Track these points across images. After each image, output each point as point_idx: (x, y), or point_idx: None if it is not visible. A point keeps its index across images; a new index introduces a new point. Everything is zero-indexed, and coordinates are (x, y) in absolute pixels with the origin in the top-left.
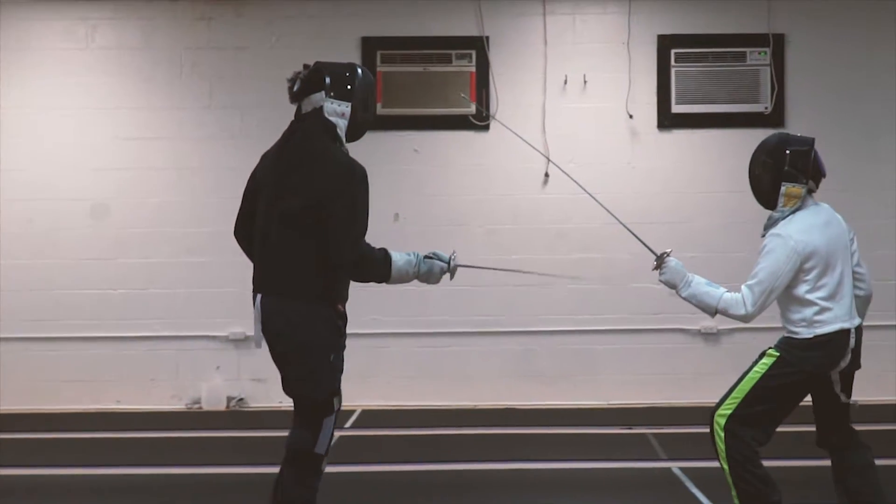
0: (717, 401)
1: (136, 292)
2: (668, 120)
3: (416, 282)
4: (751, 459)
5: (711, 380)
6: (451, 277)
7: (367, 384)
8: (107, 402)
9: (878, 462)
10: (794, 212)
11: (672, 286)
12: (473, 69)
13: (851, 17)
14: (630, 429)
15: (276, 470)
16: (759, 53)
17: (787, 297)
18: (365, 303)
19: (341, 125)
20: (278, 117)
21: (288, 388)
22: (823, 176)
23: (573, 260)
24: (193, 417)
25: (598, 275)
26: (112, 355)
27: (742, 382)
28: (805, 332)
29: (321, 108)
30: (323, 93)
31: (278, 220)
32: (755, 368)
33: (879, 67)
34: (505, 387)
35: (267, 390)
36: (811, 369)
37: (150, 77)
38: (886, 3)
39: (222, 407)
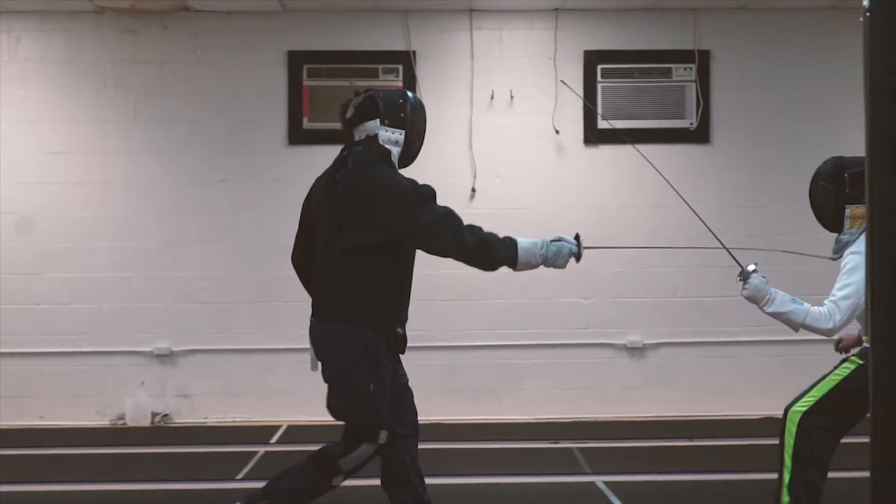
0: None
1: (59, 307)
2: (594, 135)
3: None
4: (816, 460)
5: (637, 394)
6: (578, 261)
7: (293, 399)
8: (30, 419)
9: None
10: (861, 232)
11: (754, 302)
12: (400, 83)
13: (776, 34)
14: (555, 443)
15: (200, 486)
16: (685, 69)
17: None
18: (292, 318)
19: (395, 153)
20: (203, 131)
21: (334, 408)
22: None
23: (498, 275)
24: (118, 433)
25: (524, 290)
26: (35, 371)
27: (822, 383)
28: None
29: (376, 135)
30: (377, 120)
31: (339, 250)
32: (836, 371)
33: (803, 83)
34: (430, 402)
35: (192, 406)
36: None
37: (75, 90)
38: (810, 19)
39: (147, 423)
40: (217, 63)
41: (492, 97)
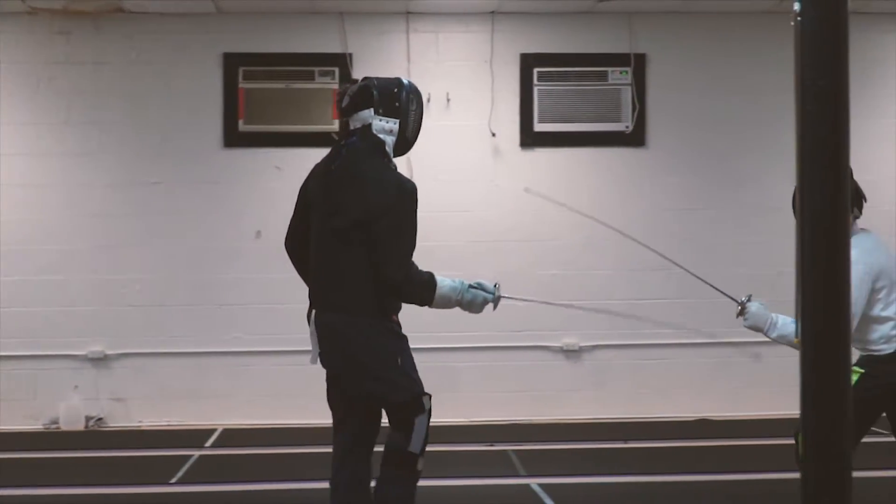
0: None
1: None
2: (530, 138)
3: (280, 298)
4: None
5: (572, 396)
6: (494, 308)
7: (228, 403)
8: None
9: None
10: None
11: (757, 330)
12: (336, 86)
13: (711, 38)
14: (491, 445)
15: (134, 490)
16: (621, 73)
17: (863, 319)
18: (227, 321)
19: (389, 142)
20: (138, 134)
21: (372, 399)
22: (865, 200)
23: None
24: (51, 438)
25: None
26: None
27: None
28: (887, 348)
29: (370, 125)
30: (371, 109)
31: (332, 237)
32: None
33: (738, 87)
34: None
35: (126, 410)
36: (894, 380)
37: (7, 92)
38: (744, 24)
39: (81, 427)
40: (151, 65)
41: (428, 100)
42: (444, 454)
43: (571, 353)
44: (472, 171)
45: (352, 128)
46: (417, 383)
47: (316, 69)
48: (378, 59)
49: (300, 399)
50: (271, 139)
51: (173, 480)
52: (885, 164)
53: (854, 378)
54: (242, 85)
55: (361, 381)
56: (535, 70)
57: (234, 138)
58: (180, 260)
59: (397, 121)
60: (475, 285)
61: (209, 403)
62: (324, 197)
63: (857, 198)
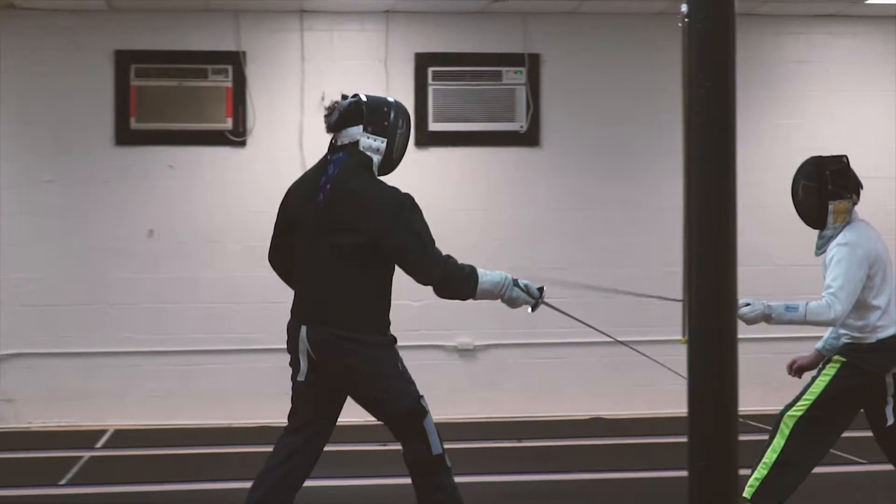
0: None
1: None
2: (425, 138)
3: (171, 298)
4: (794, 469)
5: (467, 395)
6: (532, 311)
7: (120, 403)
8: None
9: None
10: (844, 226)
11: (757, 323)
12: (230, 84)
13: (604, 40)
14: (384, 445)
15: (23, 492)
16: (515, 73)
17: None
18: (118, 321)
19: (375, 160)
20: (30, 131)
21: (374, 411)
22: (862, 188)
23: None
24: None
25: None
26: None
27: (812, 386)
28: (870, 337)
29: (357, 141)
30: (361, 126)
31: (330, 253)
32: (824, 372)
33: (632, 88)
34: (261, 405)
35: (16, 411)
36: (876, 371)
37: None
38: (637, 25)
39: None
40: (43, 62)
41: (322, 98)
42: (336, 454)
43: (466, 352)
44: None
45: (339, 143)
46: (414, 389)
47: (209, 67)
48: (272, 58)
49: (192, 399)
50: (164, 137)
51: (63, 482)
52: (782, 165)
53: (835, 367)
54: (134, 83)
55: (367, 390)
56: (430, 69)
57: (126, 136)
58: (72, 259)
59: (385, 140)
60: (522, 286)
61: (100, 404)
62: (317, 213)
63: (856, 185)
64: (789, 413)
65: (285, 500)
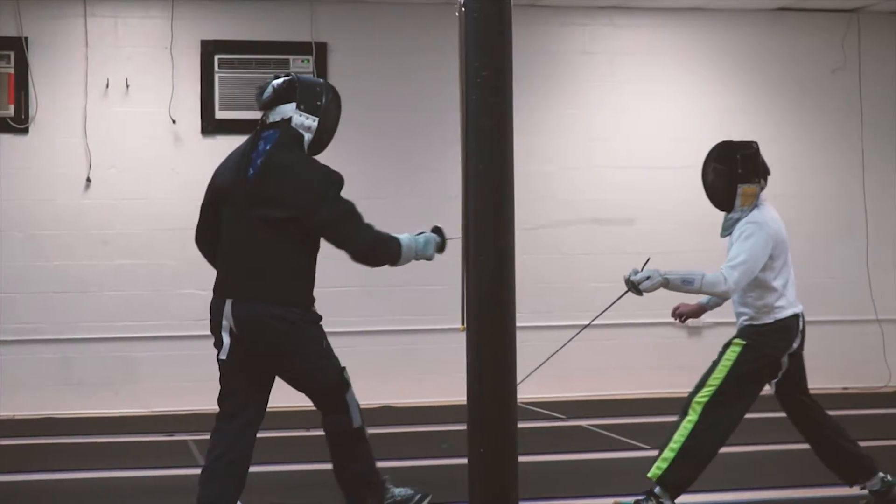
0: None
1: None
2: (211, 125)
3: None
4: (699, 454)
5: None
6: (442, 251)
7: None
8: None
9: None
10: (752, 209)
11: (655, 290)
12: (12, 70)
13: (390, 28)
14: (170, 436)
15: None
16: (303, 61)
17: (752, 283)
18: None
19: (306, 139)
20: None
21: (299, 386)
22: (769, 174)
23: (117, 266)
24: None
25: (141, 281)
26: None
27: (715, 371)
28: (767, 318)
29: (290, 118)
30: (294, 104)
31: (260, 228)
32: (726, 356)
33: (418, 77)
34: (44, 396)
35: None
36: (773, 353)
37: None
38: (421, 14)
39: None
40: None
41: (107, 86)
42: (122, 445)
43: None
44: (151, 159)
45: (270, 121)
46: (338, 363)
47: None
48: (55, 44)
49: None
50: None
51: None
52: (567, 155)
53: (736, 351)
54: None
55: (292, 367)
56: (217, 57)
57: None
58: None
59: (317, 119)
60: (419, 233)
61: None
62: (248, 187)
63: (764, 170)
64: (696, 399)
65: (236, 492)
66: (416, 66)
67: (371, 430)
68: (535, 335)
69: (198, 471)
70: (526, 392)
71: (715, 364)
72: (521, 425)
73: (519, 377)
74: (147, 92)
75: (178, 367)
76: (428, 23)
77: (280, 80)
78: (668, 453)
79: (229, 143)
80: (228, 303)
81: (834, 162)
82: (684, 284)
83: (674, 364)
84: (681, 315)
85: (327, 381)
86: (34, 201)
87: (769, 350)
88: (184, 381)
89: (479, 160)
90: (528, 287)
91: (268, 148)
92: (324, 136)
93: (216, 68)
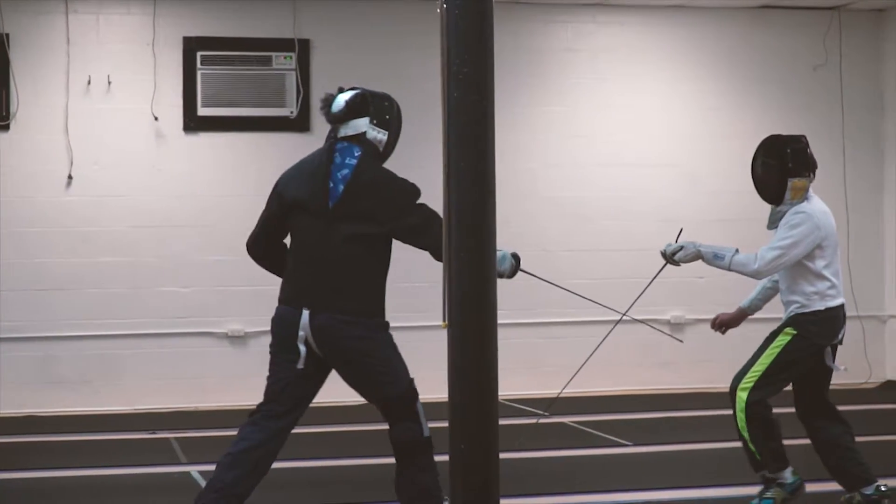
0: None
1: None
2: (193, 122)
3: None
4: (765, 431)
5: (239, 382)
6: (512, 275)
7: None
8: None
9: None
10: (801, 202)
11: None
12: None
13: (373, 25)
14: (153, 433)
15: None
16: (285, 58)
17: (804, 271)
18: None
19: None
20: None
21: (372, 394)
22: (817, 167)
23: (98, 263)
24: None
25: (123, 278)
26: None
27: (762, 357)
28: (818, 305)
29: (364, 132)
30: (368, 118)
31: (346, 242)
32: (774, 344)
33: (402, 75)
34: (25, 394)
35: None
36: (821, 342)
37: None
38: (403, 10)
39: None
40: None
41: (89, 82)
42: (104, 442)
43: (237, 339)
44: (133, 155)
45: (342, 135)
46: (408, 373)
47: None
48: (37, 41)
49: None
50: None
51: None
52: (550, 152)
53: (785, 339)
54: None
55: (369, 375)
56: (199, 54)
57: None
58: None
59: (387, 133)
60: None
61: None
62: (335, 203)
63: (813, 164)
64: (740, 387)
65: (253, 485)
66: (399, 63)
67: (353, 428)
68: (516, 332)
69: (181, 468)
70: (507, 388)
71: (761, 350)
72: (502, 422)
73: (500, 374)
74: (129, 89)
75: (159, 365)
76: (410, 20)
77: (351, 94)
78: (751, 446)
79: (211, 140)
80: (306, 313)
81: (816, 158)
82: (715, 259)
83: (656, 361)
84: (721, 325)
85: (402, 390)
86: (15, 198)
87: (818, 339)
88: (165, 378)
89: (461, 158)
90: (510, 284)
91: (352, 162)
92: (388, 150)
93: (198, 65)
